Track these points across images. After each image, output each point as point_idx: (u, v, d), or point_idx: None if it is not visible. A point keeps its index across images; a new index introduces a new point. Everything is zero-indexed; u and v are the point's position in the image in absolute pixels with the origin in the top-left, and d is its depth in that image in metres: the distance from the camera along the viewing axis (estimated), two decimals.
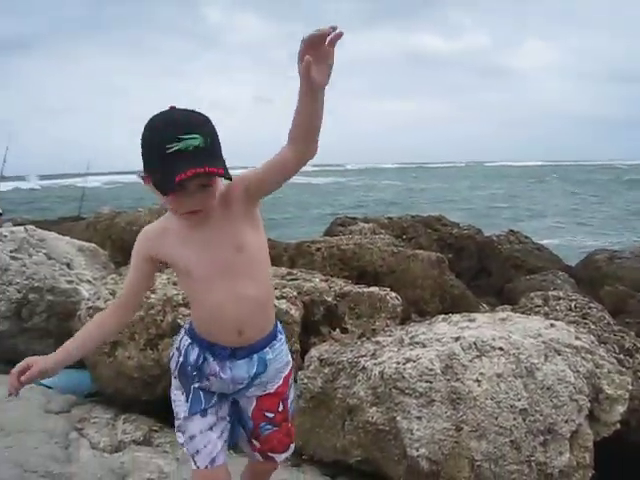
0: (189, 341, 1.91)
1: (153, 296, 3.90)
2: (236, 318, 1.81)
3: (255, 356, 1.88)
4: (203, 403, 1.90)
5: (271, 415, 1.97)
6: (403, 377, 2.81)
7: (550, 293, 5.28)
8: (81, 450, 3.39)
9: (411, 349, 3.01)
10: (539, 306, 4.85)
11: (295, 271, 4.56)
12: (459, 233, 8.86)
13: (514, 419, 2.74)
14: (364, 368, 2.99)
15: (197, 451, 1.87)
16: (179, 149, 1.57)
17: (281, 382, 1.97)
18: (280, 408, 1.99)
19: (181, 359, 1.92)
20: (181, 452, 3.42)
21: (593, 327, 4.23)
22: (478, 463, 2.69)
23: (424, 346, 3.00)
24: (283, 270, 4.54)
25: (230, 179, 1.66)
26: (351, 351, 3.24)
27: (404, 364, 2.86)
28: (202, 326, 1.88)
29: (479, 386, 2.77)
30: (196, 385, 1.90)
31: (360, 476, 3.04)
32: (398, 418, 2.80)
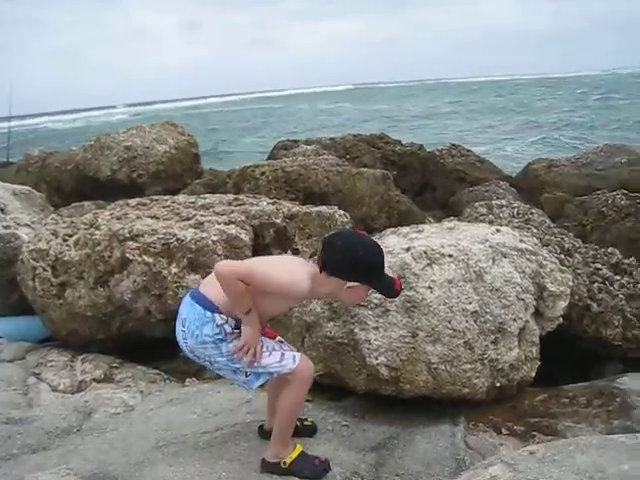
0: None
1: (97, 232, 3.80)
2: None
3: None
4: None
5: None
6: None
7: (494, 202, 5.42)
8: (42, 394, 3.37)
9: None
10: (484, 214, 4.98)
11: (241, 196, 4.50)
12: (402, 150, 8.88)
13: (466, 321, 2.84)
14: None
15: (282, 354, 2.38)
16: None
17: None
18: None
19: (235, 328, 2.33)
20: (144, 385, 3.45)
21: (535, 231, 4.39)
22: (434, 365, 2.81)
23: None
24: (229, 197, 4.48)
25: None
26: None
27: None
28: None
29: (432, 293, 2.85)
30: None
31: (323, 390, 3.13)
32: (356, 330, 2.86)
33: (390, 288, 2.34)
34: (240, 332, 2.31)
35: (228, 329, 2.30)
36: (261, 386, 2.43)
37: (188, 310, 2.34)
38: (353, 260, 2.23)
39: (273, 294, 2.29)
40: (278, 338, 2.53)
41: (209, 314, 2.29)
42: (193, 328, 2.31)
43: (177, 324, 2.39)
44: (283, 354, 2.37)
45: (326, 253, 2.28)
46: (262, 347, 2.33)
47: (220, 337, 2.30)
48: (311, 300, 3.03)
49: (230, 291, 2.23)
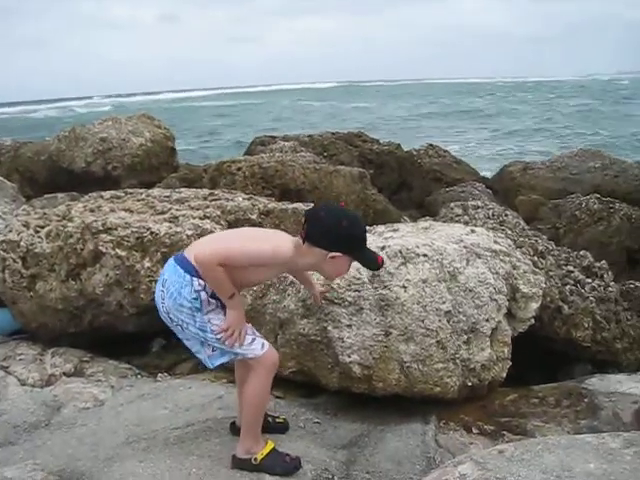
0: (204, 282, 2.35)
1: (70, 225, 3.74)
2: None
3: None
4: None
5: None
6: (332, 288, 2.86)
7: (469, 203, 5.47)
8: (9, 388, 3.31)
9: None
10: (459, 215, 5.03)
11: (217, 191, 4.47)
12: (379, 149, 8.92)
13: (439, 321, 2.86)
14: (292, 282, 3.01)
15: (253, 339, 2.39)
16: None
17: None
18: None
19: (213, 297, 2.35)
20: (115, 379, 3.41)
21: (510, 232, 4.44)
22: (407, 364, 2.82)
23: None
24: (205, 191, 4.44)
25: None
26: None
27: None
28: None
29: (405, 292, 2.86)
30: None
31: (295, 387, 3.13)
32: (329, 328, 2.86)
33: (372, 260, 2.40)
34: (217, 303, 2.33)
35: (204, 296, 2.30)
36: (223, 365, 2.44)
37: (170, 271, 2.35)
38: (336, 230, 2.27)
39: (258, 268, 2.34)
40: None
41: (188, 277, 2.29)
42: (172, 290, 2.31)
43: (157, 285, 2.41)
44: (254, 339, 2.38)
45: (309, 224, 2.32)
46: (249, 331, 2.37)
47: (197, 305, 2.30)
48: (284, 297, 3.03)
49: (210, 278, 2.26)
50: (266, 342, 2.41)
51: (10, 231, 3.89)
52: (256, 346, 2.36)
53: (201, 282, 2.28)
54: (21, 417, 2.94)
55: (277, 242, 2.33)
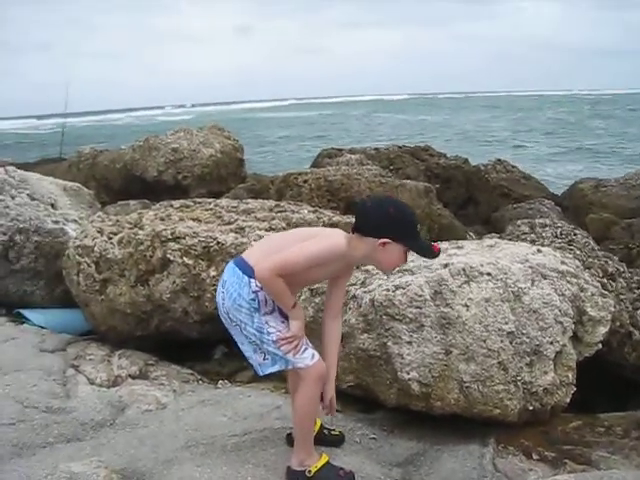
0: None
1: (141, 232, 3.89)
2: None
3: None
4: None
5: None
6: (393, 304, 2.85)
7: (537, 220, 5.33)
8: (79, 386, 3.45)
9: (400, 276, 3.04)
10: (526, 233, 4.90)
11: (282, 203, 4.54)
12: (446, 163, 8.83)
13: (501, 342, 2.80)
14: (354, 296, 3.03)
15: (305, 349, 2.40)
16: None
17: None
18: None
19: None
20: (177, 384, 3.51)
21: (578, 253, 4.30)
22: (467, 384, 2.78)
23: (413, 273, 3.03)
24: (271, 203, 4.52)
25: None
26: None
27: (394, 291, 2.89)
28: None
29: (468, 311, 2.82)
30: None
31: (353, 401, 3.13)
32: (389, 344, 2.86)
33: (426, 248, 2.35)
34: (274, 305, 2.37)
35: (261, 297, 2.34)
36: (273, 374, 2.46)
37: (229, 273, 2.42)
38: (383, 216, 2.28)
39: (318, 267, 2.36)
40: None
41: (246, 278, 2.35)
42: (232, 290, 2.37)
43: (218, 286, 2.49)
44: (306, 349, 2.40)
45: (357, 215, 2.37)
46: (304, 341, 2.39)
47: (255, 306, 2.35)
48: (345, 310, 3.04)
49: (271, 292, 2.31)
50: (316, 353, 2.43)
51: (85, 237, 4.08)
52: (307, 355, 2.38)
53: (259, 283, 2.33)
54: (89, 415, 3.06)
55: (331, 237, 2.37)
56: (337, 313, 2.59)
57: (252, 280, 2.34)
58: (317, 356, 2.41)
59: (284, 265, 2.27)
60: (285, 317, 2.41)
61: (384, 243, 2.28)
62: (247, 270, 2.35)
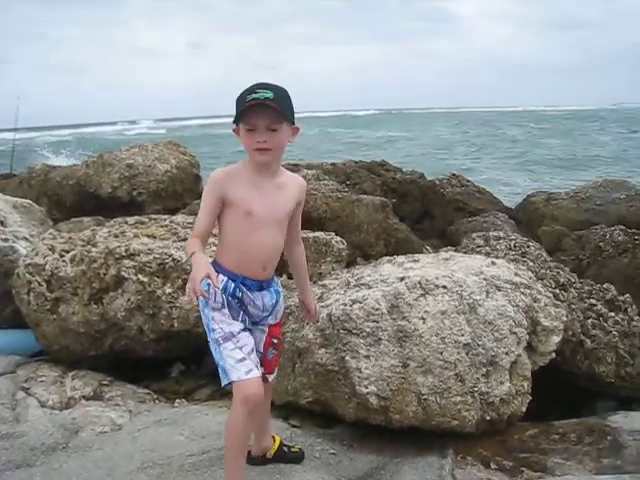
0: (225, 278, 2.28)
1: (94, 250, 3.81)
2: (266, 257, 2.34)
3: (272, 289, 2.40)
4: (248, 323, 2.35)
5: (276, 341, 2.50)
6: (350, 318, 2.86)
7: (491, 233, 5.43)
8: (30, 409, 3.35)
9: (357, 290, 3.05)
10: (480, 246, 4.99)
11: None
12: (402, 178, 8.93)
13: (458, 353, 2.84)
14: None
15: (242, 359, 2.23)
16: (255, 97, 2.16)
17: (282, 313, 2.53)
18: (280, 335, 2.56)
19: (224, 293, 2.28)
20: (133, 404, 3.43)
21: (531, 264, 4.40)
22: (425, 397, 2.79)
23: (370, 287, 3.05)
24: None
25: (293, 123, 2.29)
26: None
27: (351, 305, 2.90)
28: (238, 262, 2.30)
29: (424, 323, 2.85)
30: (240, 312, 2.32)
31: (312, 416, 3.12)
32: (347, 358, 2.86)
33: (238, 113, 2.21)
34: (227, 302, 2.27)
35: (212, 290, 2.21)
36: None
37: None
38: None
39: (224, 212, 2.28)
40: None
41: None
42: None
43: None
44: (244, 359, 2.22)
45: None
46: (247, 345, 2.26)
47: (206, 297, 2.22)
48: (303, 326, 3.03)
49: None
50: (255, 372, 2.23)
51: (36, 254, 3.97)
52: (241, 368, 2.20)
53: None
54: (39, 439, 2.97)
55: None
56: (298, 239, 2.55)
57: None
58: (252, 375, 2.21)
59: (195, 224, 2.30)
60: (239, 319, 2.28)
61: (235, 130, 2.27)
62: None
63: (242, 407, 2.20)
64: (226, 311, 2.28)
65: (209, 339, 2.30)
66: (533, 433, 3.01)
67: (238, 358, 2.22)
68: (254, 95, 2.16)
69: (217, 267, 2.24)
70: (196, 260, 2.11)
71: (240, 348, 2.24)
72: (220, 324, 2.26)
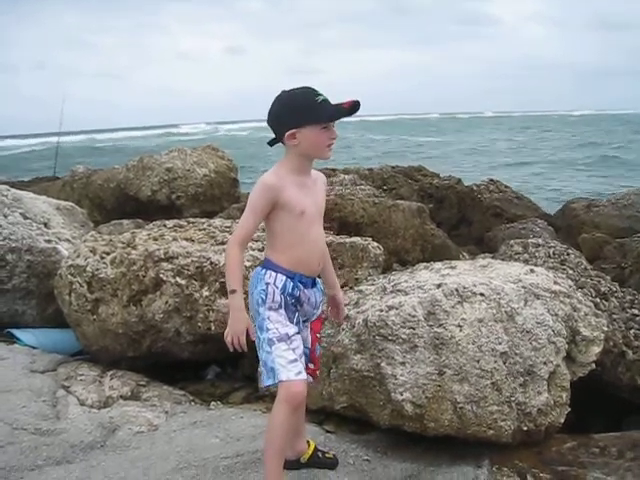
0: (284, 277, 2.30)
1: (134, 252, 3.88)
2: (320, 252, 2.44)
3: (318, 285, 2.45)
4: (301, 325, 2.38)
5: (319, 336, 2.56)
6: (386, 324, 2.84)
7: (529, 240, 5.34)
8: (69, 407, 3.41)
9: (393, 297, 3.04)
10: (519, 253, 4.91)
11: None
12: (439, 183, 8.88)
13: (495, 362, 2.79)
14: (348, 317, 3.01)
15: (294, 360, 2.24)
16: (325, 99, 2.24)
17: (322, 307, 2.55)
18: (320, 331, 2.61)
19: (283, 293, 2.29)
20: (169, 405, 3.47)
21: (571, 272, 4.32)
22: (460, 405, 2.76)
23: (406, 293, 3.03)
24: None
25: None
26: None
27: (387, 311, 2.89)
28: (296, 260, 2.33)
29: (461, 331, 2.82)
30: (296, 314, 2.34)
31: (346, 422, 3.11)
32: (382, 364, 2.84)
33: (333, 111, 2.24)
34: (284, 301, 2.28)
35: (270, 290, 2.26)
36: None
37: (253, 274, 2.38)
38: (277, 111, 2.29)
39: (276, 215, 2.31)
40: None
41: (263, 271, 2.32)
42: (252, 288, 2.33)
43: None
44: (295, 360, 2.25)
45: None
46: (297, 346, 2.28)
47: (262, 297, 2.26)
48: (339, 331, 3.03)
49: (225, 262, 2.30)
50: (303, 374, 2.26)
51: (78, 256, 4.06)
52: (292, 369, 2.22)
53: (272, 274, 2.28)
54: (79, 437, 3.03)
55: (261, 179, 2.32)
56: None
57: (267, 271, 2.30)
58: (302, 377, 2.24)
59: (239, 228, 2.29)
60: (293, 321, 2.30)
61: (293, 135, 2.25)
62: (265, 263, 2.35)
63: (287, 405, 2.22)
64: (282, 312, 2.29)
65: (259, 337, 2.28)
66: (572, 445, 2.94)
67: (290, 359, 2.24)
68: (322, 97, 2.24)
69: (275, 267, 2.30)
70: (235, 307, 2.19)
71: (293, 350, 2.26)
72: (276, 324, 2.27)
